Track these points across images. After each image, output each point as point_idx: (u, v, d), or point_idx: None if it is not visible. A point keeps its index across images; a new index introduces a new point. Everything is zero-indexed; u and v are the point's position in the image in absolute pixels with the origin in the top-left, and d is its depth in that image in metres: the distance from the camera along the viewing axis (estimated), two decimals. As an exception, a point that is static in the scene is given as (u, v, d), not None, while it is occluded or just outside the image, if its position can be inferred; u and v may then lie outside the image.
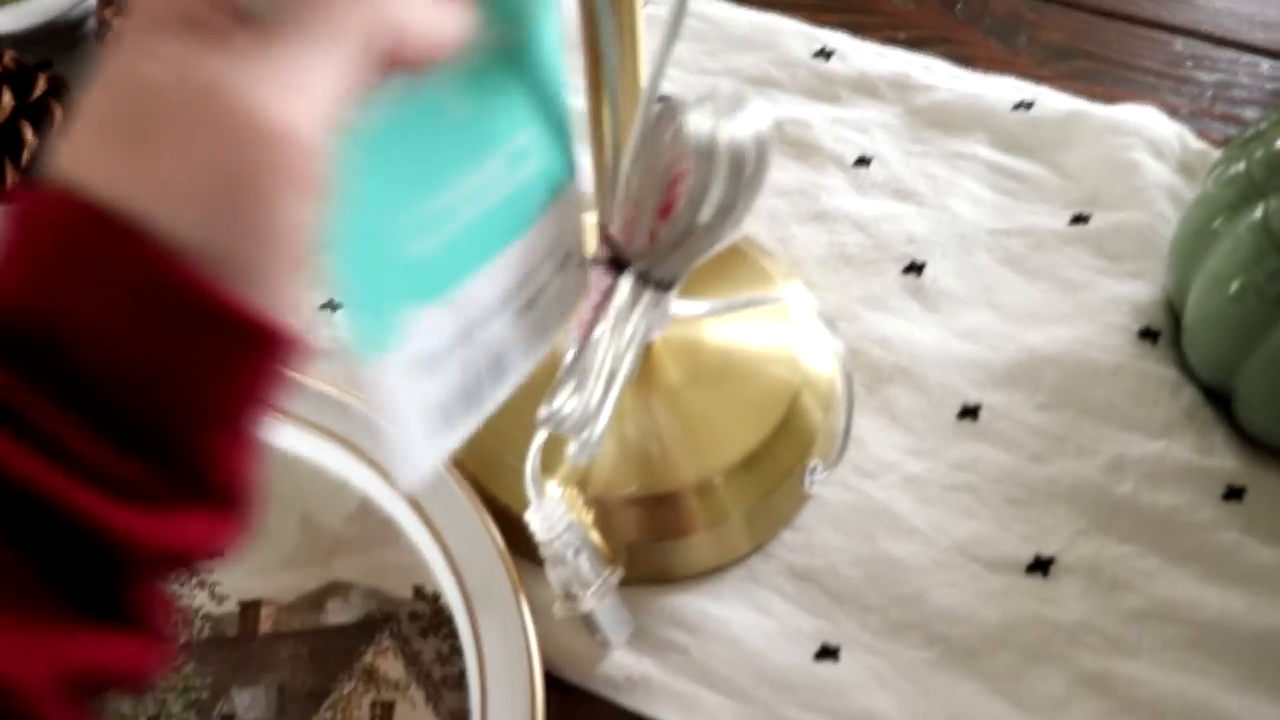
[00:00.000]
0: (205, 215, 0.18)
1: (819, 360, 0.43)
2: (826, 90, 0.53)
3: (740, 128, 0.29)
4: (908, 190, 0.49)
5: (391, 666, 0.38)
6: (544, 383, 0.34)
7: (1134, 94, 0.53)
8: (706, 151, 0.29)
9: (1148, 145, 0.49)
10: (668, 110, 0.29)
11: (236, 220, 0.19)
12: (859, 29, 0.55)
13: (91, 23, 0.51)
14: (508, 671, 0.36)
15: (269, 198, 0.19)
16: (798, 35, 0.54)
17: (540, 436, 0.35)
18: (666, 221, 0.31)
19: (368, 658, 0.38)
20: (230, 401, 0.20)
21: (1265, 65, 0.54)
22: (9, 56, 0.48)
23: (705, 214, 0.30)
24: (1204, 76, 0.54)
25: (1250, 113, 0.52)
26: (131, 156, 0.18)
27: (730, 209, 0.30)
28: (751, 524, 0.40)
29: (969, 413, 0.43)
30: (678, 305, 0.38)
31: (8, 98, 0.47)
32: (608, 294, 0.31)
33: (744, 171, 0.30)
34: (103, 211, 0.18)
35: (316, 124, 0.19)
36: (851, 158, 0.50)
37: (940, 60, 0.54)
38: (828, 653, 0.39)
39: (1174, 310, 0.44)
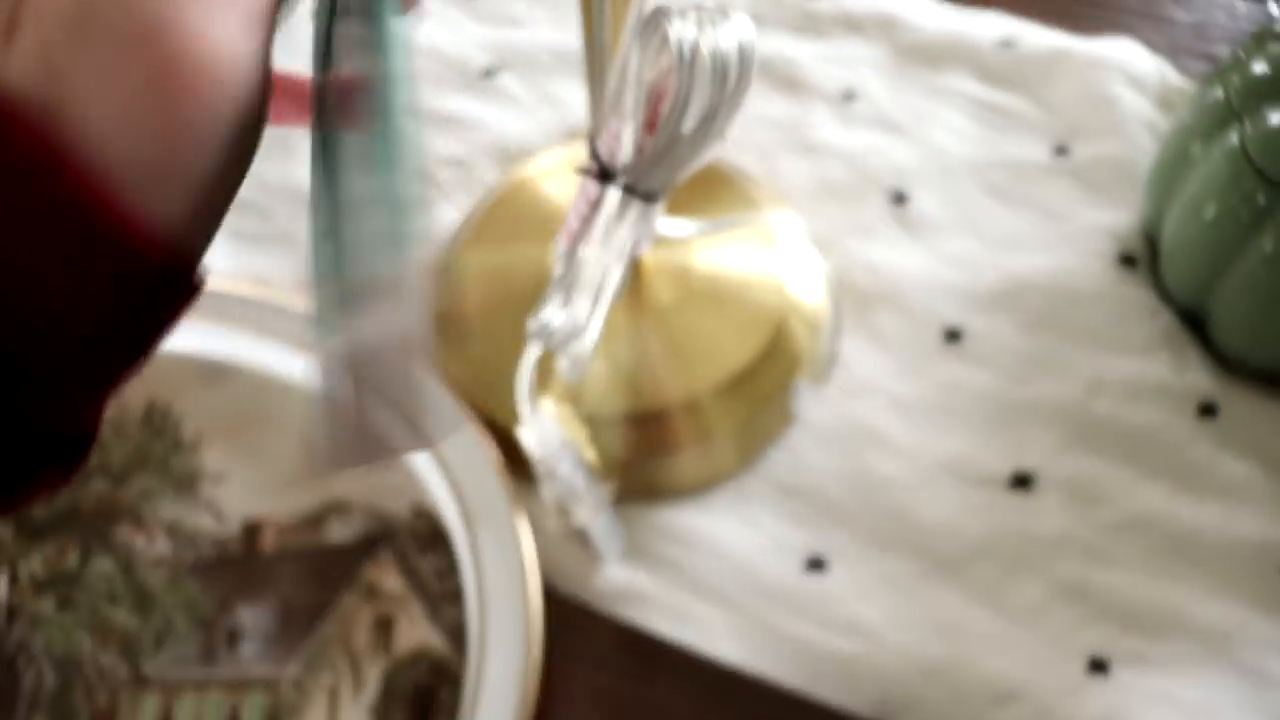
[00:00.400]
0: (122, 127, 0.17)
1: (806, 285, 0.44)
2: (813, 27, 0.53)
3: (724, 37, 0.30)
4: (893, 124, 0.50)
5: (392, 582, 0.39)
6: (538, 298, 0.35)
7: (1113, 31, 0.53)
8: (690, 59, 0.30)
9: (1128, 79, 0.50)
10: (654, 19, 0.30)
11: (157, 140, 0.17)
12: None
13: None
14: (505, 586, 0.37)
15: (192, 119, 0.18)
16: (784, -26, 0.55)
17: (533, 353, 0.36)
18: (652, 135, 0.32)
19: (368, 573, 0.39)
20: (118, 340, 0.19)
21: (1242, 6, 0.55)
22: None
23: (689, 123, 0.31)
24: (1182, 16, 0.55)
25: (1224, 49, 0.53)
26: (55, 55, 0.17)
27: (714, 118, 0.30)
28: (740, 442, 0.41)
29: (952, 336, 0.45)
30: (667, 225, 0.39)
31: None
32: (595, 205, 0.32)
33: (728, 80, 0.30)
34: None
35: (246, 37, 0.18)
36: (838, 92, 0.51)
37: (924, -2, 0.55)
38: (816, 564, 0.40)
39: (1151, 238, 0.45)
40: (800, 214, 0.47)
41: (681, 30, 0.29)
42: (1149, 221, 0.46)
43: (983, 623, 0.39)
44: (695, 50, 0.29)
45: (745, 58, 0.30)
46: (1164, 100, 0.50)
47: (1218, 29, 0.54)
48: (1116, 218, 0.47)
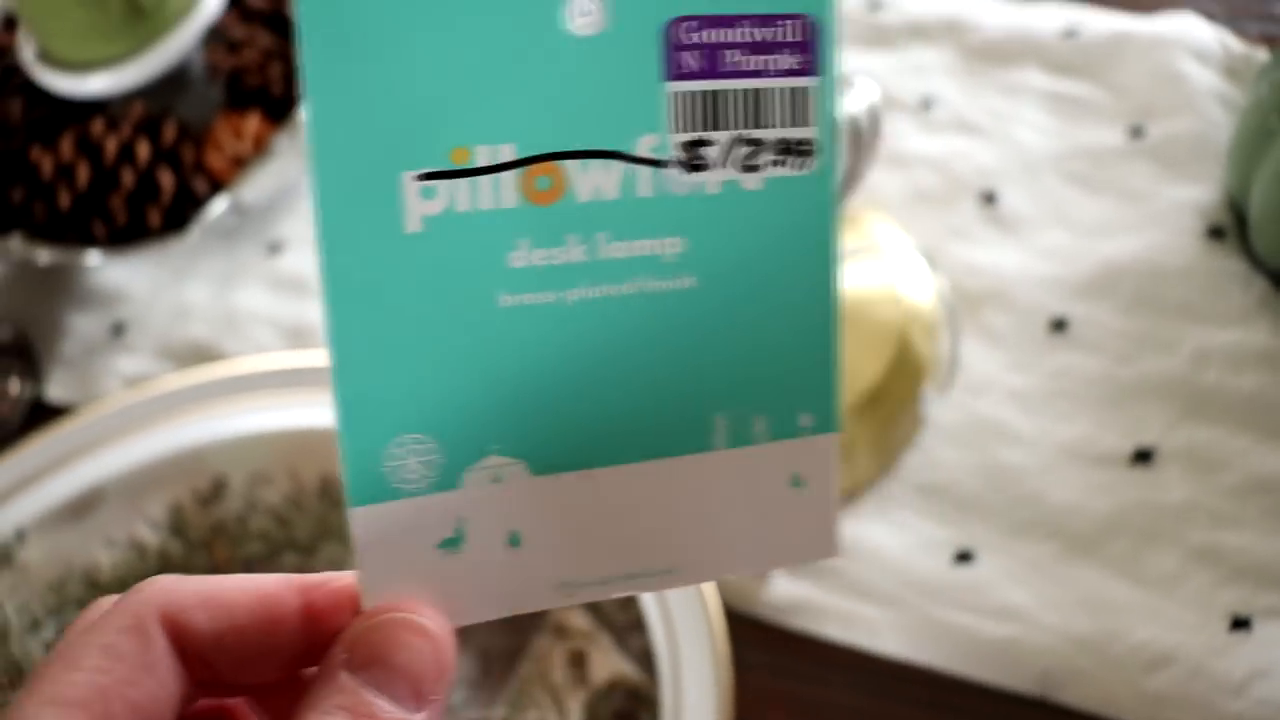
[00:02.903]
0: None
1: (917, 293, 0.47)
2: (883, 39, 0.56)
3: (854, 103, 0.33)
4: (972, 125, 0.53)
5: (578, 619, 0.43)
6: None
7: (1169, 4, 0.55)
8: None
9: (1192, 54, 0.52)
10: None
11: None
12: (902, -25, 0.58)
13: (197, 65, 0.55)
14: (688, 610, 0.40)
15: None
16: (848, -9, 0.57)
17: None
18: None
19: (555, 614, 0.43)
20: None
21: (1292, -41, 0.57)
22: (138, 108, 0.53)
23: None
24: (1234, -22, 0.57)
25: (1283, 8, 0.55)
26: None
27: (855, 176, 0.33)
28: (878, 451, 0.44)
29: (1058, 325, 0.47)
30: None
31: (145, 148, 0.51)
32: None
33: (861, 140, 0.33)
34: None
35: None
36: (916, 101, 0.54)
37: (982, -5, 0.57)
38: (964, 557, 0.43)
39: (1236, 208, 0.48)
40: (899, 224, 0.50)
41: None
42: (1234, 193, 0.48)
43: (1125, 594, 0.42)
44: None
45: (874, 118, 0.33)
46: (1230, 70, 0.53)
47: (1270, -12, 0.56)
48: (1199, 192, 0.49)
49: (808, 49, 0.21)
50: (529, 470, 0.22)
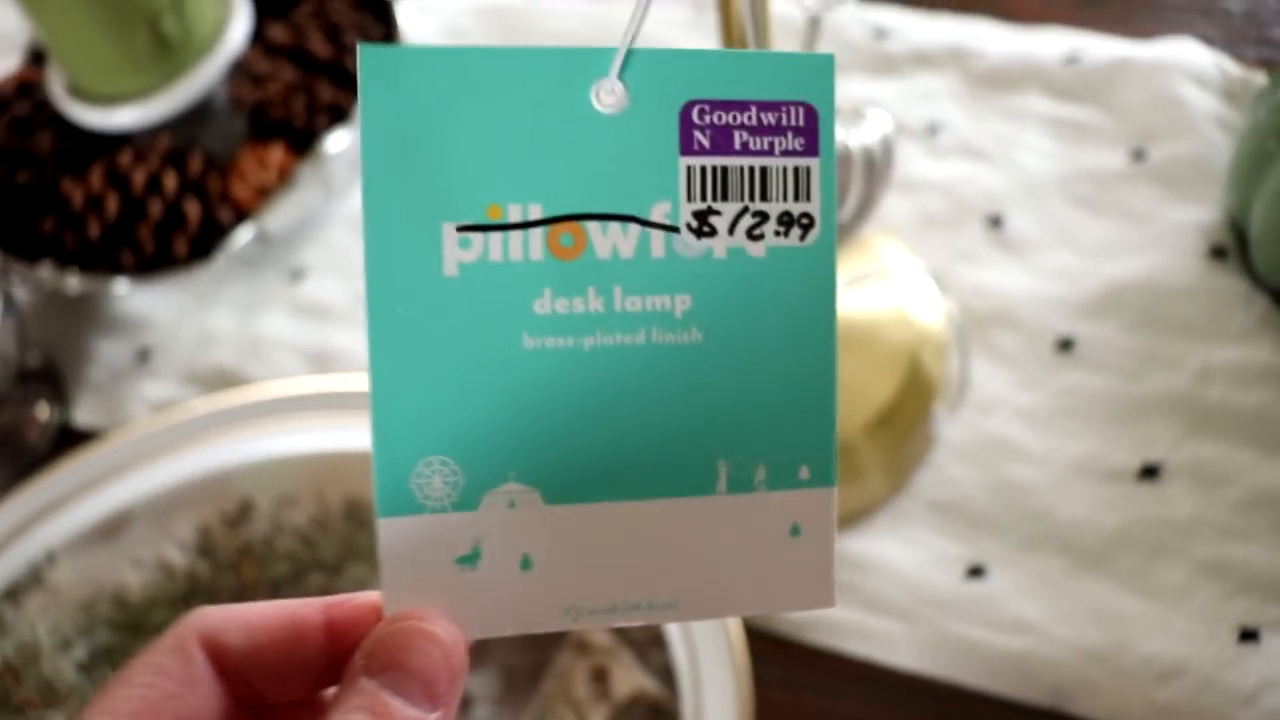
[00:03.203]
0: None
1: (927, 315, 0.48)
2: (889, 67, 0.57)
3: (867, 135, 0.34)
4: (977, 150, 0.54)
5: (600, 636, 0.44)
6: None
7: (1168, 29, 0.57)
8: (843, 159, 0.34)
9: (1190, 78, 0.54)
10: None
11: None
12: (907, 2, 0.60)
13: (221, 97, 0.56)
14: (709, 626, 0.41)
15: None
16: (854, 21, 0.59)
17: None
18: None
19: (577, 631, 0.44)
20: None
21: (1288, -15, 0.58)
22: (165, 140, 0.54)
23: (846, 213, 0.35)
24: (1231, 4, 0.58)
25: (1279, 32, 0.56)
26: None
27: (869, 204, 0.35)
28: (890, 470, 0.45)
29: (1065, 345, 0.48)
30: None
31: (172, 179, 0.53)
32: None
33: (874, 170, 0.35)
34: None
35: None
36: (922, 127, 0.55)
37: (986, 23, 0.59)
38: (976, 572, 0.44)
39: (1238, 228, 0.49)
40: (908, 248, 0.51)
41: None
42: (1235, 214, 0.49)
43: (1134, 607, 0.43)
44: (847, 152, 0.34)
45: (887, 149, 0.34)
46: (1228, 93, 0.54)
47: (1269, 12, 0.58)
48: (1201, 213, 0.50)
49: (809, 132, 0.23)
50: (543, 499, 0.24)
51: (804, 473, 0.24)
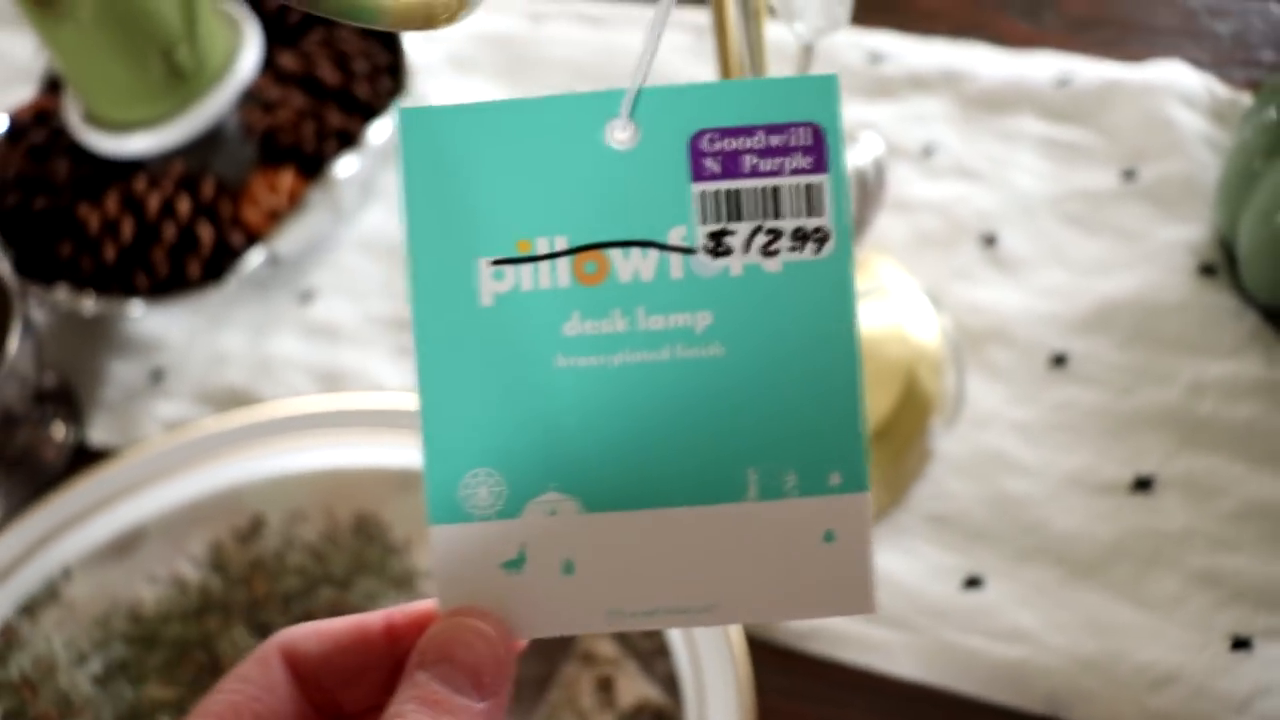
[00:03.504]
0: None
1: (923, 333, 0.49)
2: (884, 90, 0.59)
3: (859, 156, 0.36)
4: (971, 171, 0.55)
5: (605, 647, 0.45)
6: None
7: (1158, 52, 0.58)
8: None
9: (1180, 99, 0.55)
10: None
11: None
12: (902, 27, 0.61)
13: (232, 124, 0.57)
14: (712, 637, 0.42)
15: None
16: (850, 46, 0.60)
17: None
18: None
19: (583, 642, 0.45)
20: None
21: (1277, 10, 0.60)
22: (178, 166, 0.55)
23: (840, 232, 0.36)
24: (1220, 27, 0.60)
25: (1267, 54, 0.58)
26: None
27: (862, 224, 0.36)
28: (888, 484, 0.46)
29: (1058, 361, 0.50)
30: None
31: (185, 203, 0.54)
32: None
33: (868, 191, 0.36)
34: None
35: None
36: (917, 149, 0.56)
37: (979, 46, 0.60)
38: (973, 582, 0.45)
39: (1227, 246, 0.50)
40: (904, 267, 0.52)
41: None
42: (1223, 231, 0.50)
43: (1128, 616, 0.44)
44: (839, 174, 0.35)
45: (879, 170, 0.36)
46: (1216, 113, 0.55)
47: (1257, 35, 0.59)
48: (1190, 231, 0.52)
49: (817, 151, 0.25)
50: (582, 507, 0.25)
51: (835, 479, 0.25)
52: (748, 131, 0.25)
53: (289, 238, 0.55)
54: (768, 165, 0.25)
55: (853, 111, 0.58)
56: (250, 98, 0.58)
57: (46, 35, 0.53)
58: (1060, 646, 0.43)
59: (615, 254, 0.25)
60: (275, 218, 0.55)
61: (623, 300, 0.25)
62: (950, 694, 0.43)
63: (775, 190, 0.25)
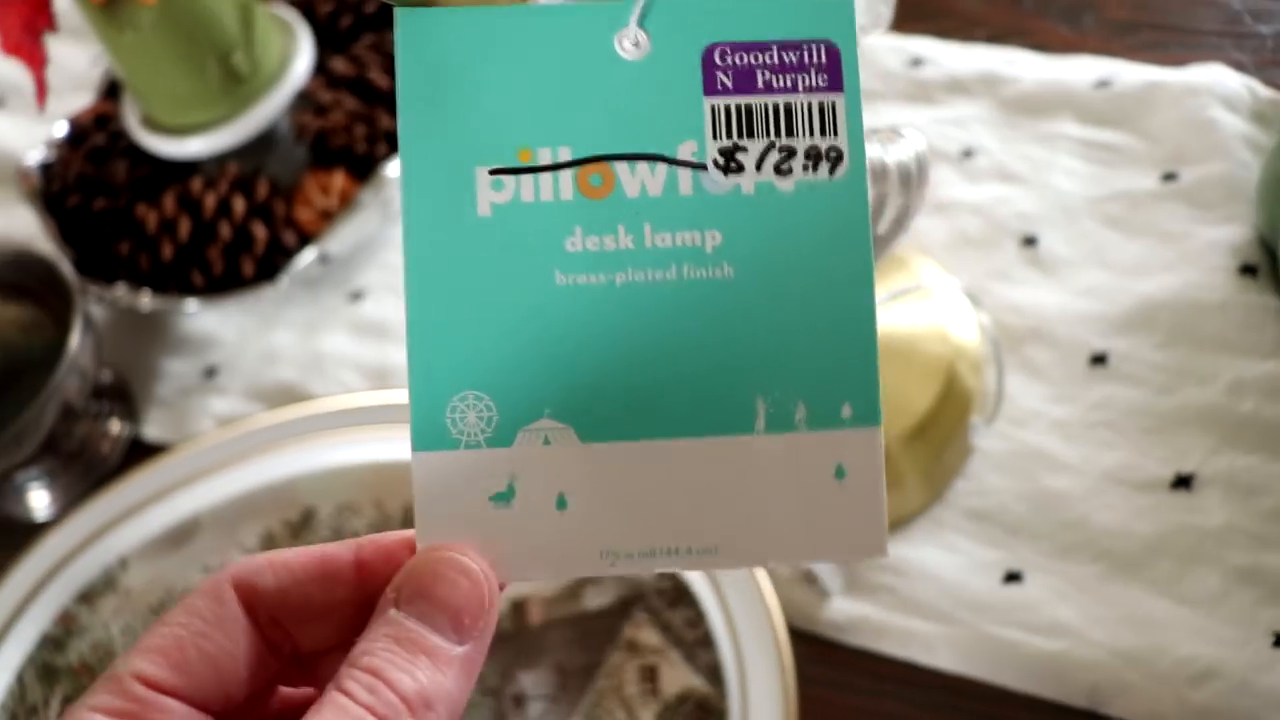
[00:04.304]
0: None
1: (963, 331, 0.49)
2: (924, 94, 0.59)
3: (903, 151, 0.36)
4: (1011, 173, 0.56)
5: (649, 636, 0.45)
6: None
7: (1200, 55, 0.58)
8: (880, 174, 0.36)
9: (1221, 101, 0.55)
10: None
11: None
12: (942, 33, 0.62)
13: (284, 126, 0.59)
14: (754, 627, 0.43)
15: None
16: (890, 50, 0.61)
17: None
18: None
19: (627, 632, 0.46)
20: None
21: (1316, 12, 0.60)
22: (233, 168, 0.57)
23: (883, 225, 0.37)
24: (1263, 29, 0.60)
25: (1309, 57, 0.58)
26: None
27: (906, 217, 0.37)
28: (929, 480, 0.47)
29: (1098, 360, 0.50)
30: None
31: (240, 204, 0.56)
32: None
33: (911, 186, 0.36)
34: None
35: None
36: (957, 151, 0.57)
37: (1018, 51, 0.60)
38: (1013, 577, 0.45)
39: (1268, 246, 0.50)
40: (945, 267, 0.53)
41: (871, 153, 0.35)
42: (1264, 232, 0.51)
43: (1169, 612, 0.44)
44: (884, 168, 0.35)
45: (922, 166, 0.36)
46: (1258, 115, 0.55)
47: (1297, 39, 0.59)
48: (1231, 232, 0.52)
49: (832, 69, 0.24)
50: (577, 436, 0.24)
51: (846, 411, 0.24)
52: (762, 47, 0.24)
53: (339, 237, 0.57)
54: (781, 82, 0.24)
55: (892, 115, 0.59)
56: (303, 101, 0.59)
57: (109, 42, 0.55)
58: (1100, 640, 0.43)
59: (622, 167, 0.24)
60: (327, 218, 0.57)
61: (628, 216, 0.24)
62: (990, 686, 0.44)
63: (789, 107, 0.24)
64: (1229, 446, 0.47)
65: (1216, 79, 0.56)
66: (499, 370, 0.24)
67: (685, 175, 0.24)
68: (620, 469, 0.24)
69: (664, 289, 0.24)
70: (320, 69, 0.60)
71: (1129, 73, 0.58)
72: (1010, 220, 0.54)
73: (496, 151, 0.24)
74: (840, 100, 0.24)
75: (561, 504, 0.24)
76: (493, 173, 0.24)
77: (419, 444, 0.24)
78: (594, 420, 0.24)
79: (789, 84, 0.24)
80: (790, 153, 0.24)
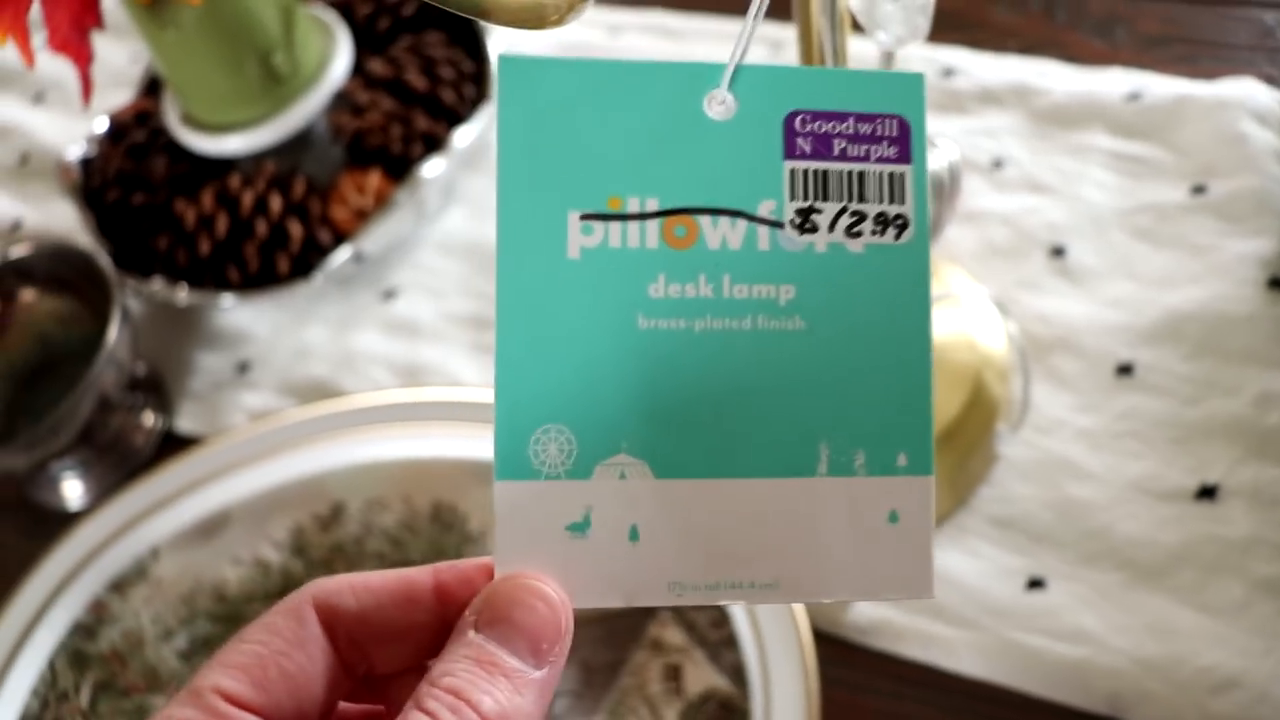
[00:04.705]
0: None
1: (991, 340, 0.50)
2: (955, 104, 0.60)
3: (936, 161, 0.37)
4: (1041, 184, 0.56)
5: (674, 636, 0.46)
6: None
7: (1231, 69, 0.59)
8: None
9: (1252, 115, 0.55)
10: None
11: None
12: (975, 44, 0.62)
13: (321, 126, 0.60)
14: (779, 629, 0.44)
15: None
16: (923, 60, 0.61)
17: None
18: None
19: (652, 631, 0.46)
20: None
21: (1348, 28, 0.60)
22: (270, 166, 0.58)
23: (915, 233, 0.37)
24: (1293, 45, 0.60)
25: (1340, 73, 0.58)
26: None
27: (937, 225, 0.37)
28: (954, 486, 0.47)
29: (1125, 370, 0.50)
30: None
31: (277, 201, 0.57)
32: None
33: (943, 195, 0.37)
34: None
35: None
36: (988, 162, 0.57)
37: (1050, 63, 0.61)
38: (1036, 584, 0.46)
39: (1296, 260, 0.51)
40: (972, 276, 0.53)
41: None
42: (1292, 247, 0.51)
43: (1191, 621, 0.44)
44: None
45: (954, 175, 0.37)
46: (1288, 131, 0.55)
47: (1328, 54, 0.59)
48: (1260, 245, 0.52)
49: (902, 142, 0.26)
50: (652, 472, 0.25)
51: (902, 459, 0.26)
52: (840, 117, 0.26)
53: (374, 237, 0.58)
54: (856, 150, 0.26)
55: (923, 123, 0.59)
56: (340, 101, 0.60)
57: (151, 40, 0.56)
58: (1122, 648, 0.44)
59: (705, 220, 0.25)
60: (362, 217, 0.58)
61: (709, 266, 0.25)
62: (1011, 691, 0.44)
63: (862, 174, 0.26)
64: (1254, 458, 0.47)
65: (1248, 93, 0.56)
66: (580, 405, 0.25)
67: (764, 231, 0.26)
68: (690, 505, 0.25)
69: (739, 337, 0.26)
70: (358, 70, 0.61)
71: (1160, 86, 0.58)
72: (1039, 230, 0.55)
73: (588, 198, 0.25)
74: (909, 171, 0.26)
75: (634, 536, 0.25)
76: (584, 218, 0.25)
77: (502, 473, 0.25)
78: (668, 457, 0.25)
79: (863, 153, 0.26)
80: (861, 217, 0.26)
